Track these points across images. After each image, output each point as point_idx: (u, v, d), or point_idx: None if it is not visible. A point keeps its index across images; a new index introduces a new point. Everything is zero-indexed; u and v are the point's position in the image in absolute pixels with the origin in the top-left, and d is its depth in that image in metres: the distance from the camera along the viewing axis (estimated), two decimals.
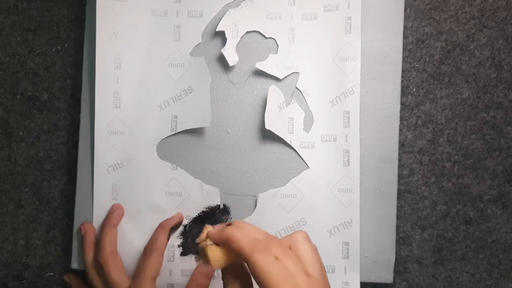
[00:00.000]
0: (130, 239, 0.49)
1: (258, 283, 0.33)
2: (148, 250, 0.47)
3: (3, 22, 0.54)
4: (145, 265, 0.46)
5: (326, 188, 0.49)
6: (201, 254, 0.37)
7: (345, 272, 0.48)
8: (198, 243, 0.39)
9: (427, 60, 0.52)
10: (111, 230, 0.48)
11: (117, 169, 0.49)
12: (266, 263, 0.32)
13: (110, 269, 0.46)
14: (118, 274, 0.46)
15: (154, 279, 0.45)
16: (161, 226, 0.48)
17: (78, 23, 0.53)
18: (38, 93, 0.53)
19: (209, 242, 0.36)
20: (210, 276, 0.48)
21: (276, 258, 0.33)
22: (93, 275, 0.47)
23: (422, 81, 0.52)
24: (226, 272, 0.36)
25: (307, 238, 0.36)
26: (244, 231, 0.35)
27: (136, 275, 0.46)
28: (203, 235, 0.37)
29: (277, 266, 0.32)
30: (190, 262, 0.49)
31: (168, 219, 0.49)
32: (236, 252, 0.34)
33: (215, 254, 0.35)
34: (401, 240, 0.52)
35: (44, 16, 0.54)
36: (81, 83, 0.51)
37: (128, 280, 0.46)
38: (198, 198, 0.49)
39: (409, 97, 0.52)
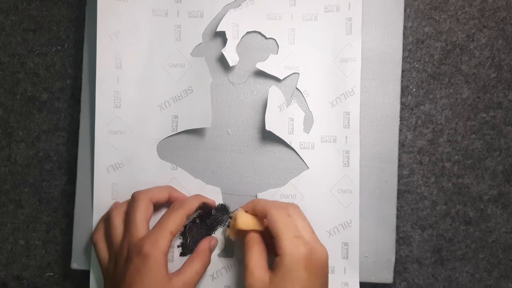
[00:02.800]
0: None
1: (272, 232, 0.42)
2: (176, 205, 0.46)
3: (3, 22, 0.54)
4: (168, 218, 0.44)
5: (326, 188, 0.49)
6: (231, 224, 0.46)
7: (345, 272, 0.48)
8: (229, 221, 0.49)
9: (427, 60, 0.52)
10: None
11: (117, 169, 0.49)
12: (278, 215, 0.43)
13: (138, 208, 0.45)
14: (144, 218, 0.45)
15: (173, 234, 0.44)
16: (197, 195, 0.49)
17: (78, 23, 0.53)
18: (38, 93, 0.53)
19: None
20: (211, 251, 0.48)
21: (289, 215, 0.43)
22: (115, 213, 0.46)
23: (422, 81, 0.52)
24: (247, 239, 0.44)
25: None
26: (268, 200, 0.47)
27: (157, 225, 0.44)
28: (235, 212, 0.46)
29: (286, 220, 0.43)
30: None
31: (205, 197, 0.49)
32: (260, 213, 0.44)
33: (243, 217, 0.45)
34: (401, 240, 0.52)
35: (44, 16, 0.54)
36: (81, 83, 0.51)
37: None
38: None
39: (409, 97, 0.52)
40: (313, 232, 0.44)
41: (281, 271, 0.40)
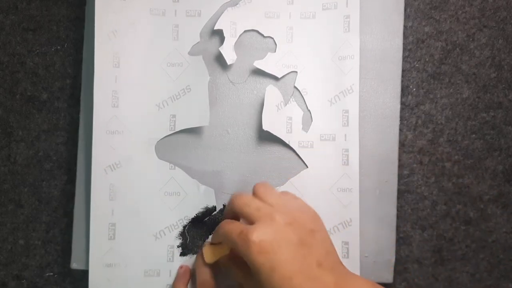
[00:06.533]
0: (128, 239, 0.49)
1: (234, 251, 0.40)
2: None
3: (3, 22, 0.54)
4: None
5: (325, 187, 0.49)
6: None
7: None
8: (197, 244, 0.48)
9: (427, 60, 0.52)
10: None
11: (114, 169, 0.49)
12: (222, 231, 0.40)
13: None
14: None
15: None
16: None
17: (77, 22, 0.53)
18: (38, 93, 0.53)
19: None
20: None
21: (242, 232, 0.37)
22: None
23: (422, 81, 0.52)
24: (228, 265, 0.43)
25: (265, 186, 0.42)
26: (219, 228, 0.41)
27: None
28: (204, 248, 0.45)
29: (229, 226, 0.39)
30: (190, 263, 0.49)
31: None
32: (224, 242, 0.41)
33: (207, 250, 0.44)
34: (401, 240, 0.51)
35: (43, 16, 0.54)
36: (80, 82, 0.51)
37: None
38: (195, 198, 0.49)
39: (409, 97, 0.52)
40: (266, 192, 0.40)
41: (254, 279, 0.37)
